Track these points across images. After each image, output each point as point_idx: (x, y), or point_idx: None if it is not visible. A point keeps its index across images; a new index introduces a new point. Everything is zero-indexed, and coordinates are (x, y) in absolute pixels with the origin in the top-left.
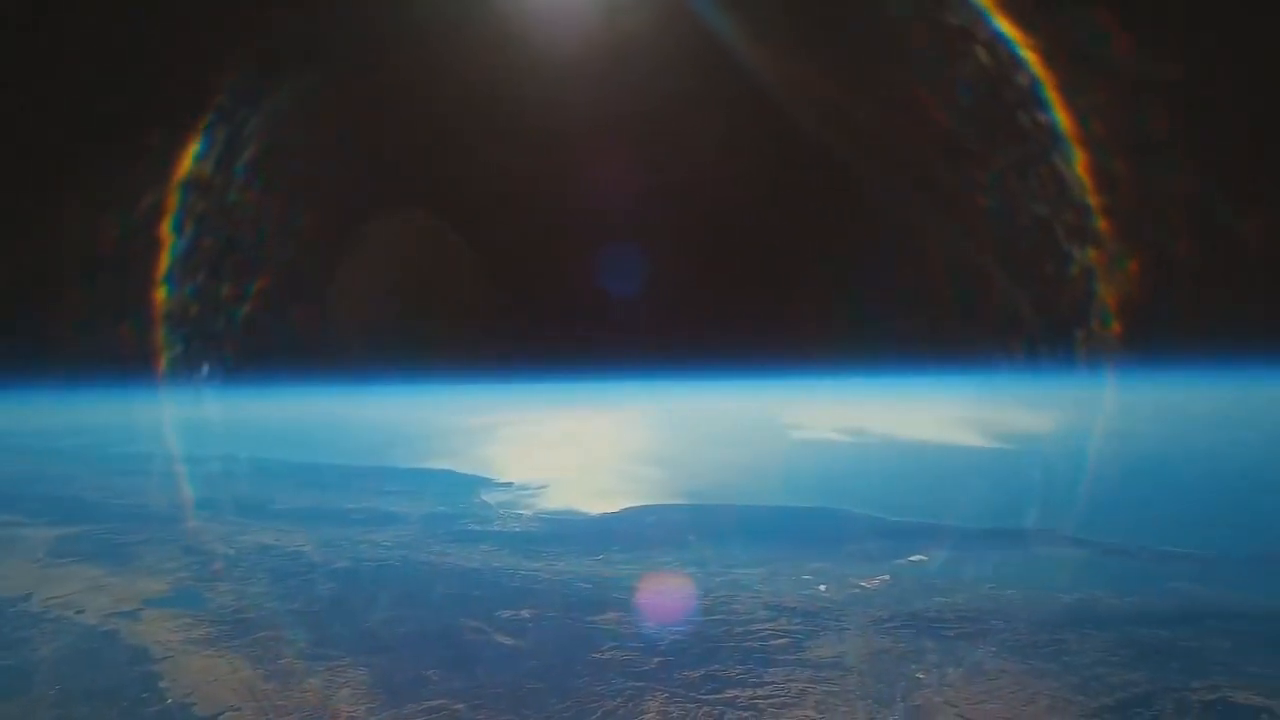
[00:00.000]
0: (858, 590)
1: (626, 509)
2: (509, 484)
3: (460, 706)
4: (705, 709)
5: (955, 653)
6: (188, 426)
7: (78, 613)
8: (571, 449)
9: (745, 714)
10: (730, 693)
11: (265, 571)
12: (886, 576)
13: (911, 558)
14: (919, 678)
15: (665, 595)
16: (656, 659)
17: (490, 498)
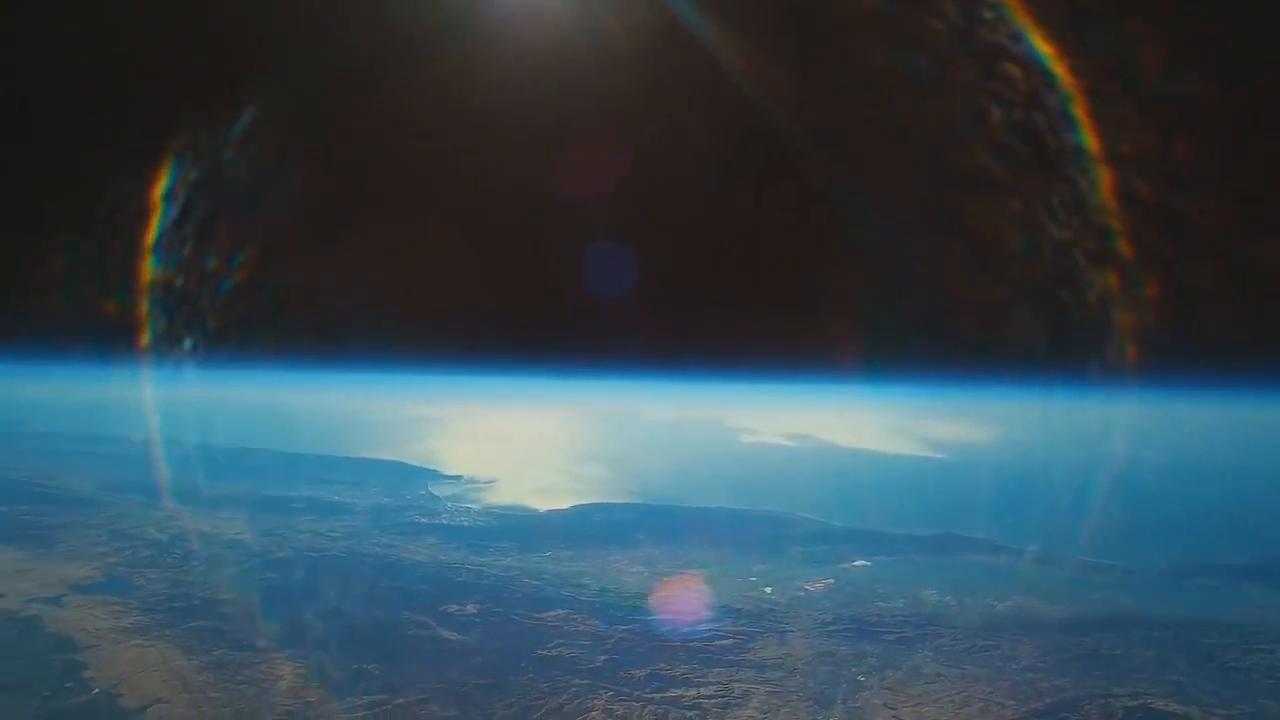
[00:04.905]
0: (802, 593)
1: (575, 506)
2: (457, 477)
3: (402, 701)
4: (650, 708)
5: (894, 656)
6: (134, 406)
7: None
8: (522, 445)
9: (689, 714)
10: (674, 692)
11: (200, 559)
12: (830, 580)
13: (854, 563)
14: (859, 680)
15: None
16: (602, 657)
17: (438, 490)
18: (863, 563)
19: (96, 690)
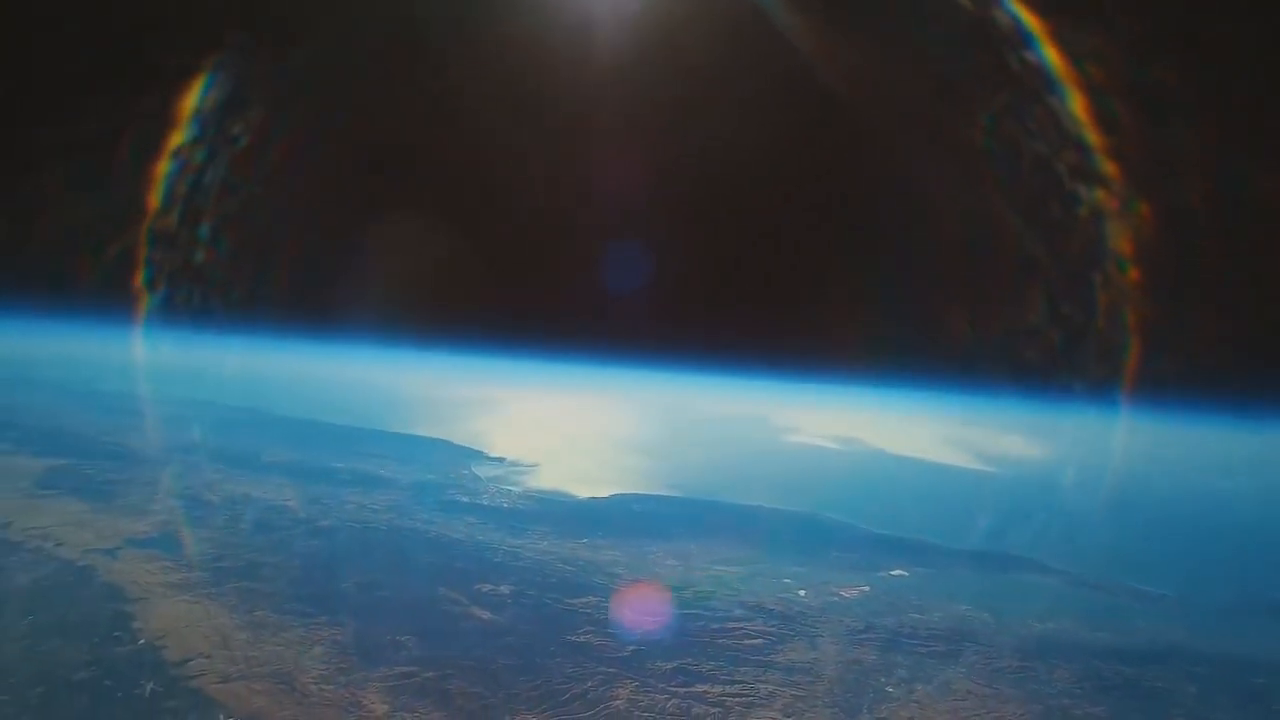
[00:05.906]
0: (836, 598)
1: (615, 495)
2: (501, 459)
3: (431, 675)
4: (673, 701)
5: (925, 670)
6: (181, 370)
7: (57, 545)
8: (567, 432)
9: (712, 710)
10: (699, 688)
11: (249, 523)
12: (865, 587)
13: (892, 571)
14: (887, 691)
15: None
16: (630, 647)
17: (481, 471)
18: (901, 572)
19: (142, 641)
